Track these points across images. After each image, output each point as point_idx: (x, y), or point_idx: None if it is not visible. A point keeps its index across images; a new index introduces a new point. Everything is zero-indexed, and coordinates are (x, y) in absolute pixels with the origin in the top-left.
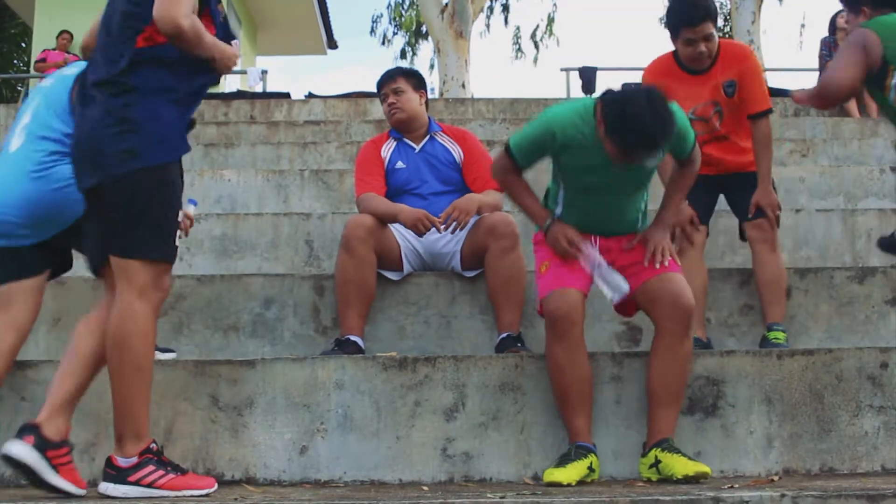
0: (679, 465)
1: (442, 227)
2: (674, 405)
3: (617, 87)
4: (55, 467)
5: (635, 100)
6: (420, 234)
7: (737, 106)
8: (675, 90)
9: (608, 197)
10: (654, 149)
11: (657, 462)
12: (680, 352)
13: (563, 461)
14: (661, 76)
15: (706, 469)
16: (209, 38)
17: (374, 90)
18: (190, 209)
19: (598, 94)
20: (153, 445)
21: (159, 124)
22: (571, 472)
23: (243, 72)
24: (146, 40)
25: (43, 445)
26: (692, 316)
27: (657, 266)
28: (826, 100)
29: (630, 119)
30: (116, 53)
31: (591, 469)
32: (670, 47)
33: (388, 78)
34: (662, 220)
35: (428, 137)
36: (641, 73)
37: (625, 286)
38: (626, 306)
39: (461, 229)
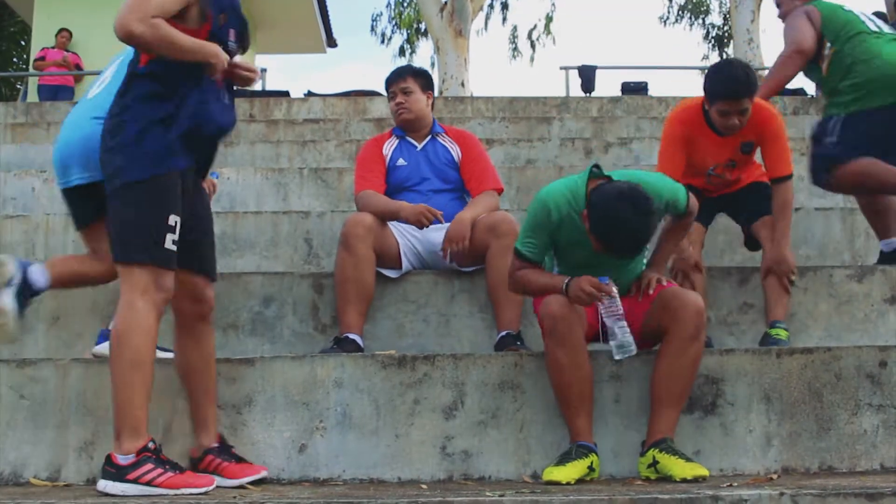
0: (677, 468)
1: (445, 258)
2: (676, 406)
3: (606, 186)
4: (219, 473)
5: (621, 206)
6: (423, 226)
7: (749, 159)
8: (701, 145)
9: (602, 271)
10: (637, 251)
11: (655, 462)
12: (689, 354)
13: (563, 460)
14: (687, 127)
15: (704, 472)
16: (187, 41)
17: (373, 89)
18: (214, 179)
19: (586, 171)
20: (151, 444)
21: (145, 144)
22: (571, 471)
23: None
24: (139, 58)
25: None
26: (704, 318)
27: (650, 292)
28: (801, 54)
29: (615, 224)
30: (125, 72)
31: (591, 468)
32: (670, 49)
33: (398, 76)
34: (655, 263)
35: (430, 137)
36: (643, 71)
37: (633, 347)
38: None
39: (462, 253)
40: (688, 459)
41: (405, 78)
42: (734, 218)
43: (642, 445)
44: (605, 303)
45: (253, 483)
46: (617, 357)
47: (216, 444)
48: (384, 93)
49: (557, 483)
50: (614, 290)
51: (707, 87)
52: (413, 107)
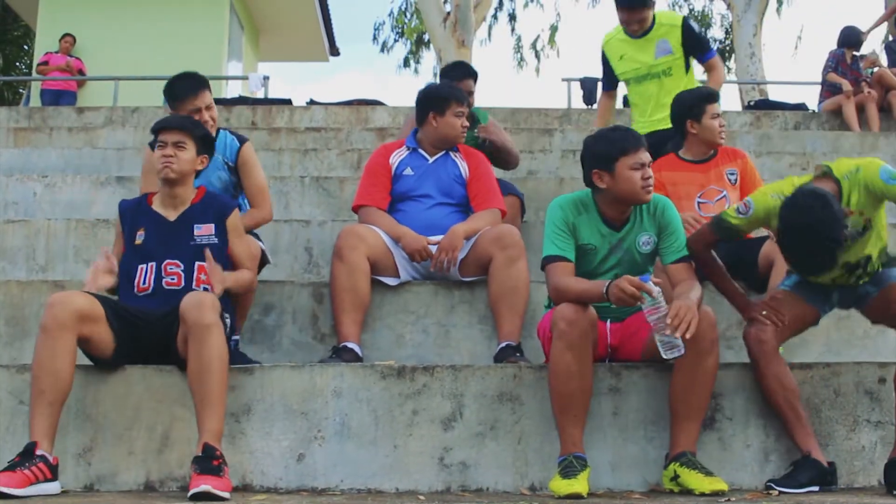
0: (696, 482)
1: (432, 268)
2: (695, 420)
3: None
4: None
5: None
6: (417, 262)
7: (738, 196)
8: (680, 178)
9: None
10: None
11: (676, 476)
12: (706, 367)
13: (570, 472)
14: (663, 169)
15: (723, 486)
16: None
17: (375, 98)
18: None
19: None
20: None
21: None
22: (585, 484)
23: (245, 77)
24: None
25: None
26: (717, 331)
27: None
28: None
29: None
30: None
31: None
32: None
33: (466, 99)
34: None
35: (443, 153)
36: None
37: (682, 347)
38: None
39: (454, 266)
40: (707, 473)
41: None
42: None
43: (666, 457)
44: (647, 302)
45: (199, 496)
46: (666, 357)
47: (199, 454)
48: (386, 102)
49: (579, 496)
50: (655, 289)
51: (687, 104)
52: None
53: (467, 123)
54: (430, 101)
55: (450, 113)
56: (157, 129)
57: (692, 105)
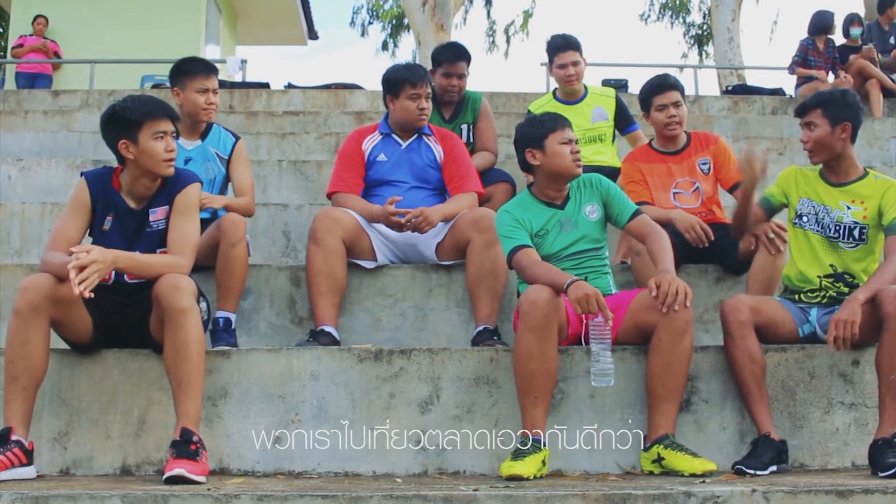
0: (684, 463)
1: (403, 220)
2: (674, 400)
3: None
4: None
5: None
6: (398, 227)
7: (712, 183)
8: (655, 169)
9: (570, 262)
10: None
11: (660, 458)
12: (682, 347)
13: (519, 455)
14: (638, 160)
15: (712, 466)
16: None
17: (354, 82)
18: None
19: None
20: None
21: None
22: (530, 467)
23: (223, 61)
24: None
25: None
26: (692, 311)
27: (676, 307)
28: None
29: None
30: None
31: (543, 463)
32: (650, 47)
33: (425, 80)
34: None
35: (416, 137)
36: (623, 68)
37: (612, 378)
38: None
39: (419, 232)
40: (694, 455)
41: (428, 85)
42: (718, 262)
43: (645, 440)
44: (599, 322)
45: (172, 480)
46: (594, 384)
47: (177, 438)
48: (364, 86)
49: (520, 477)
50: (611, 321)
51: (641, 97)
52: (429, 115)
53: (425, 105)
54: (386, 85)
55: (403, 96)
56: (143, 120)
57: (643, 100)
